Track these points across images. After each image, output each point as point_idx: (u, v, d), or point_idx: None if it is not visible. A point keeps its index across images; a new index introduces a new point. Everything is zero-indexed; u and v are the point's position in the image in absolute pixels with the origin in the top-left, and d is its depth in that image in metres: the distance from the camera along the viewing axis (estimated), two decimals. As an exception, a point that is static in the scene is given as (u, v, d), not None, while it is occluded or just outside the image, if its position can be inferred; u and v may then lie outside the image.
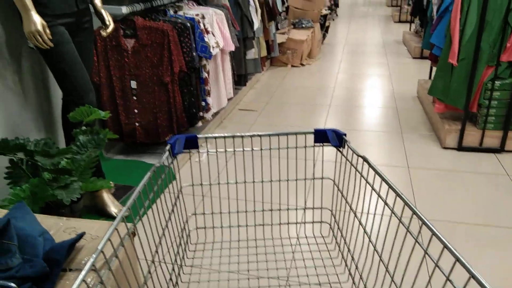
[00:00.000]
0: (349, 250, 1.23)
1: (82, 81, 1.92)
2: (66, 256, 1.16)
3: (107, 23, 2.06)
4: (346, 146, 1.18)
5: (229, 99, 3.48)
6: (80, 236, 1.22)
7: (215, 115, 3.30)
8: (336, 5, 9.03)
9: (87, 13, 2.01)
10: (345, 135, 1.20)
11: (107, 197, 2.12)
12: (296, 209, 1.76)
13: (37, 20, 1.72)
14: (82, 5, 1.94)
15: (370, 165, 1.05)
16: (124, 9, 2.42)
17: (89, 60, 2.10)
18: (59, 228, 1.36)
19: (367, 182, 1.12)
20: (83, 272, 0.66)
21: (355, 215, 1.17)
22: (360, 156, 1.09)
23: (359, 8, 11.22)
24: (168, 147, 1.17)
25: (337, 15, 9.57)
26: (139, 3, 2.59)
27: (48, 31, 1.77)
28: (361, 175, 1.11)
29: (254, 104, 3.88)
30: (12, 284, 1.00)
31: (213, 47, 2.87)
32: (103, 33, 2.05)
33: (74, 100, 1.92)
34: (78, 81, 1.91)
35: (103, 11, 2.06)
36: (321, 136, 1.23)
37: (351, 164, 1.16)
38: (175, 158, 1.18)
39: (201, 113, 2.95)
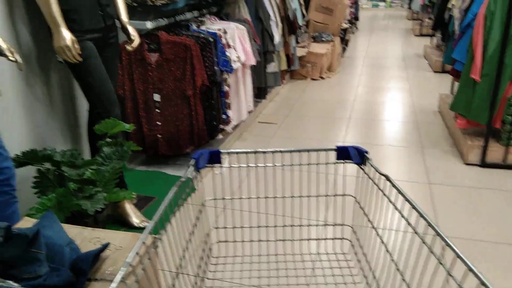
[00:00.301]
0: (370, 267, 1.23)
1: (108, 95, 1.97)
2: (91, 266, 1.19)
3: (132, 38, 2.12)
4: (368, 163, 1.19)
5: (249, 112, 3.51)
6: (105, 246, 1.25)
7: (235, 128, 3.33)
8: (356, 18, 9.04)
9: (113, 28, 2.07)
10: (367, 152, 1.20)
11: (129, 208, 2.16)
12: (317, 225, 1.76)
13: (67, 36, 1.79)
14: (109, 21, 2.00)
15: (392, 184, 1.05)
16: (149, 24, 2.48)
17: (114, 75, 2.16)
18: (84, 237, 1.39)
19: (389, 200, 1.12)
20: (113, 285, 0.68)
21: (377, 233, 1.17)
22: (382, 175, 1.09)
23: (379, 21, 11.20)
24: (192, 161, 1.19)
25: (357, 28, 9.57)
26: (163, 18, 2.66)
27: (77, 46, 1.83)
28: (383, 193, 1.11)
29: (274, 117, 3.90)
30: (41, 293, 1.04)
31: (234, 61, 2.91)
32: (129, 48, 2.11)
33: (100, 113, 1.98)
34: (105, 95, 1.96)
35: (129, 27, 2.12)
36: (343, 153, 1.24)
37: (373, 182, 1.16)
38: (199, 173, 1.20)
39: (221, 126, 2.98)
